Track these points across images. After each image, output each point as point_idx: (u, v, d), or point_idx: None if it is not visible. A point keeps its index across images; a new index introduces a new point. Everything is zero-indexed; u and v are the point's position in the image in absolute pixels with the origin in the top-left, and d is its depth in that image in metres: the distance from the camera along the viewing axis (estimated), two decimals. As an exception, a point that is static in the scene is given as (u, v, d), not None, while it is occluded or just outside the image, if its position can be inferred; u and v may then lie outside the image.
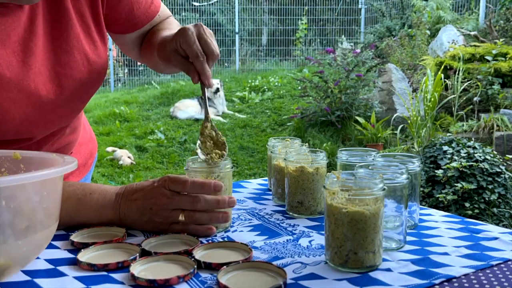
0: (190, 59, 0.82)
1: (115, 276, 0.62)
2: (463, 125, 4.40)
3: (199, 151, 0.83)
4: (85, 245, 0.71)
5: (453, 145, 3.07)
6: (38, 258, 0.67)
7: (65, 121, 0.91)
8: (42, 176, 0.55)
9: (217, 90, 6.58)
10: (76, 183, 0.82)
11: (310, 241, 0.75)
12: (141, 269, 0.62)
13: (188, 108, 6.54)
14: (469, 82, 4.73)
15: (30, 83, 0.77)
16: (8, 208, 0.54)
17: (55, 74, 0.80)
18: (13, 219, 0.55)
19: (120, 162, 4.85)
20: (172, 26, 1.01)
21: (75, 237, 0.74)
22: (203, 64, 0.81)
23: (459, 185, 2.77)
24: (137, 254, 0.66)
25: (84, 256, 0.67)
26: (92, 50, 0.85)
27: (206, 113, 0.87)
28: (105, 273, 0.63)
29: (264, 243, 0.75)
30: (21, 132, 0.81)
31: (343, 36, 8.90)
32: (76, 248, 0.72)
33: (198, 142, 0.85)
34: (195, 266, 0.62)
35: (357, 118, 5.07)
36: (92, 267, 0.63)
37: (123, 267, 0.64)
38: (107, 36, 0.91)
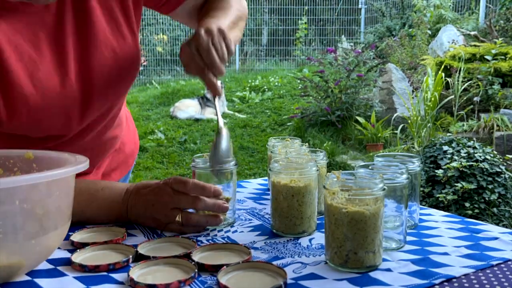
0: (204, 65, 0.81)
1: (116, 276, 0.62)
2: (463, 125, 4.39)
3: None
4: (85, 245, 0.71)
5: (453, 145, 3.07)
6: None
7: (103, 115, 0.92)
8: (54, 176, 0.55)
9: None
10: (88, 180, 0.86)
11: (310, 241, 0.75)
12: (141, 273, 0.62)
13: (188, 108, 6.54)
14: (469, 82, 4.72)
15: (65, 78, 0.80)
16: (21, 207, 0.54)
17: (86, 69, 0.82)
18: (26, 218, 0.55)
19: (120, 162, 4.85)
20: (224, 5, 0.95)
21: (75, 237, 0.75)
22: (207, 76, 0.80)
23: (459, 185, 2.77)
24: (130, 256, 0.66)
25: (79, 257, 0.67)
26: (121, 44, 0.86)
27: (219, 121, 0.85)
28: (105, 273, 0.63)
29: (264, 243, 0.75)
30: (62, 128, 0.84)
31: (342, 36, 8.90)
32: (76, 248, 0.72)
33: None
34: (196, 270, 0.61)
35: (357, 118, 5.07)
36: (83, 268, 0.63)
37: (114, 269, 0.63)
38: (138, 29, 0.91)
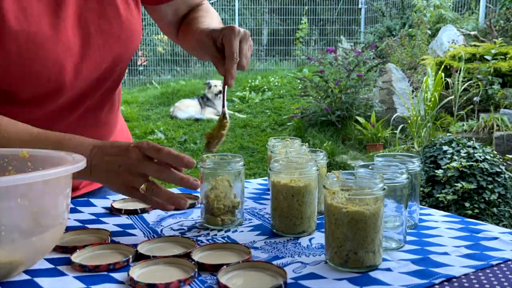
0: (225, 54, 0.84)
1: (116, 275, 0.62)
2: (463, 125, 4.40)
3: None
4: (69, 249, 0.69)
5: (453, 145, 3.07)
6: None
7: (97, 81, 0.90)
8: (53, 175, 0.55)
9: (220, 92, 6.60)
10: (57, 131, 0.80)
11: (310, 241, 0.75)
12: (140, 273, 0.61)
13: (188, 108, 6.54)
14: (469, 82, 4.72)
15: (59, 23, 0.78)
16: (20, 206, 0.54)
17: (84, 21, 0.81)
18: (23, 216, 0.55)
19: (120, 162, 4.85)
20: (211, 15, 1.04)
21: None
22: (233, 65, 0.83)
23: (459, 185, 2.77)
24: (130, 256, 0.65)
25: (78, 257, 0.66)
26: (125, 7, 0.86)
27: (223, 107, 0.88)
28: (105, 273, 0.63)
29: (264, 243, 0.75)
30: (53, 79, 0.81)
31: (342, 36, 8.90)
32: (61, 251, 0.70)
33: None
34: (196, 270, 0.61)
35: (357, 118, 5.07)
36: (83, 268, 0.62)
37: (114, 269, 0.63)
38: (140, 4, 0.93)
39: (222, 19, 10.31)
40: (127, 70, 10.97)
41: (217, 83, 6.68)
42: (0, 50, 0.75)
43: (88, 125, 0.97)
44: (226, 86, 0.86)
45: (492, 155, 2.98)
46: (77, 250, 0.68)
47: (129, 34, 0.89)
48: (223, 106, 0.88)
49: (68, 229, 0.78)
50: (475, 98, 4.59)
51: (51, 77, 0.81)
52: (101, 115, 0.99)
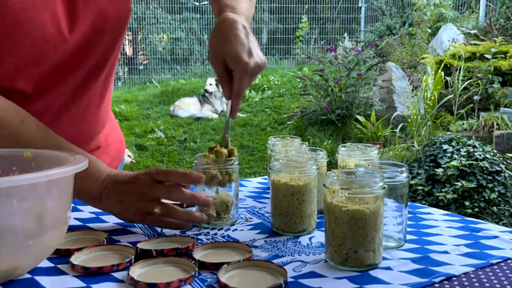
0: (233, 88, 0.82)
1: (116, 275, 0.62)
2: (463, 123, 4.39)
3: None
4: (62, 251, 0.68)
5: (453, 143, 3.07)
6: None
7: (88, 71, 0.87)
8: (53, 175, 0.55)
9: (211, 92, 6.63)
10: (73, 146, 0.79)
11: (310, 240, 0.75)
12: (141, 272, 0.61)
13: (188, 107, 6.54)
14: (469, 80, 4.72)
15: (43, 14, 0.74)
16: (19, 207, 0.54)
17: (72, 3, 0.77)
18: (25, 219, 0.55)
19: (120, 161, 4.85)
20: None
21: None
22: (239, 102, 0.83)
23: (459, 183, 2.77)
24: (132, 257, 0.65)
25: (77, 259, 0.65)
26: None
27: (226, 133, 0.86)
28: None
29: (264, 241, 0.75)
30: (46, 31, 0.77)
31: (345, 34, 8.89)
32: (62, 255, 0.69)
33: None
34: (197, 269, 0.61)
35: (357, 116, 5.07)
36: (86, 270, 0.61)
37: (118, 270, 0.62)
38: None
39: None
40: (127, 69, 10.89)
41: (208, 82, 6.72)
42: None
43: (76, 119, 0.93)
44: (229, 117, 0.86)
45: (492, 153, 2.98)
46: (75, 252, 0.66)
47: (117, 16, 0.85)
48: (226, 133, 0.86)
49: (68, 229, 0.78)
50: (475, 97, 4.59)
51: (35, 41, 0.76)
52: (89, 108, 0.95)
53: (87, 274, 0.62)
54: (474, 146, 3.01)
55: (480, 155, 2.92)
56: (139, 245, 0.69)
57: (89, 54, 0.86)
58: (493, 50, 5.03)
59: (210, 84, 6.70)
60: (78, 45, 0.82)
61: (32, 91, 0.82)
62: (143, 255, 0.66)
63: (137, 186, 0.75)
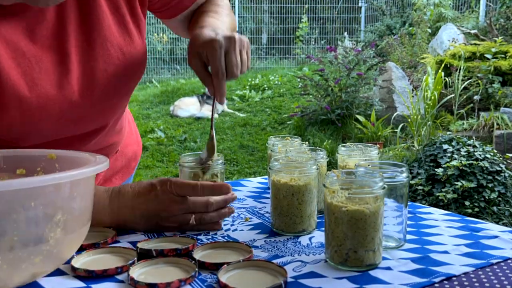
0: (211, 71, 0.80)
1: (116, 275, 0.62)
2: (463, 123, 4.39)
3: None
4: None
5: (453, 143, 3.07)
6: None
7: (104, 117, 0.88)
8: (73, 176, 0.54)
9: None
10: None
11: (310, 240, 0.75)
12: (141, 273, 0.61)
13: (188, 107, 6.54)
14: (469, 80, 4.72)
15: (63, 80, 0.75)
16: (40, 208, 0.53)
17: (89, 69, 0.78)
18: (46, 220, 0.54)
19: (120, 161, 4.85)
20: (218, 9, 0.96)
21: None
22: (220, 82, 0.79)
23: (459, 183, 2.77)
24: (135, 258, 0.65)
25: (78, 262, 0.64)
26: (128, 43, 0.82)
27: (211, 127, 0.86)
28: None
29: (264, 241, 0.75)
30: (60, 131, 0.80)
31: (345, 33, 8.89)
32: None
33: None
34: (197, 269, 0.61)
35: (357, 116, 5.07)
36: (90, 273, 0.61)
37: (122, 272, 0.62)
38: (145, 28, 0.88)
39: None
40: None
41: None
42: (4, 114, 0.72)
43: (100, 147, 0.95)
44: (215, 104, 0.85)
45: (492, 153, 2.98)
46: (74, 255, 0.65)
47: (135, 67, 0.85)
48: (212, 128, 0.86)
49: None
50: (475, 97, 4.59)
51: (58, 130, 0.79)
52: (110, 136, 0.97)
53: (92, 277, 0.61)
54: (474, 146, 3.01)
55: (480, 155, 2.92)
56: (139, 245, 0.69)
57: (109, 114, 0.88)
58: (493, 50, 5.03)
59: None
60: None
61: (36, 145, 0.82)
62: (143, 255, 0.66)
63: (166, 206, 0.76)
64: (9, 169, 0.68)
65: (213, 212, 0.79)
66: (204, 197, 0.78)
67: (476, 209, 2.74)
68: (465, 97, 4.66)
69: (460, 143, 3.05)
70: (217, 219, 0.80)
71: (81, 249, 0.68)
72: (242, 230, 0.81)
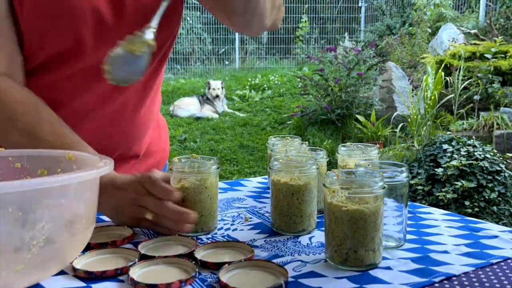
0: None
1: (116, 276, 0.62)
2: (463, 123, 4.40)
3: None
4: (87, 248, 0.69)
5: (453, 143, 3.07)
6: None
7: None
8: (77, 178, 0.54)
9: (217, 96, 6.63)
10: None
11: (310, 239, 0.75)
12: (141, 273, 0.61)
13: (188, 107, 6.54)
14: (469, 80, 4.72)
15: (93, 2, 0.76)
16: (46, 209, 0.53)
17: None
18: (52, 220, 0.54)
19: (120, 161, 4.84)
20: None
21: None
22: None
23: (459, 183, 2.77)
24: (136, 260, 0.64)
25: (79, 263, 0.64)
26: None
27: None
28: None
29: (264, 241, 0.75)
30: (71, 38, 0.78)
31: (346, 33, 8.89)
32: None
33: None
34: (197, 270, 0.61)
35: (357, 116, 5.07)
36: (89, 274, 0.60)
37: (122, 274, 0.62)
38: None
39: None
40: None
41: (215, 86, 6.69)
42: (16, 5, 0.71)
43: (114, 123, 0.92)
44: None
45: (492, 153, 2.98)
46: (77, 256, 0.65)
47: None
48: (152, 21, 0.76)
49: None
50: (475, 97, 4.59)
51: (69, 36, 0.77)
52: (129, 109, 0.93)
53: (91, 279, 0.60)
54: (474, 146, 3.01)
55: (480, 155, 2.92)
56: (140, 247, 0.68)
57: None
58: (493, 50, 5.03)
59: (219, 88, 6.67)
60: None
61: (59, 97, 0.82)
62: (143, 256, 0.66)
63: (128, 193, 0.74)
64: (32, 169, 0.70)
65: (170, 219, 0.73)
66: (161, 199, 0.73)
67: (476, 209, 2.74)
68: (465, 97, 4.66)
69: (460, 143, 3.05)
70: (171, 226, 0.73)
71: (88, 248, 0.69)
72: (242, 229, 0.81)
